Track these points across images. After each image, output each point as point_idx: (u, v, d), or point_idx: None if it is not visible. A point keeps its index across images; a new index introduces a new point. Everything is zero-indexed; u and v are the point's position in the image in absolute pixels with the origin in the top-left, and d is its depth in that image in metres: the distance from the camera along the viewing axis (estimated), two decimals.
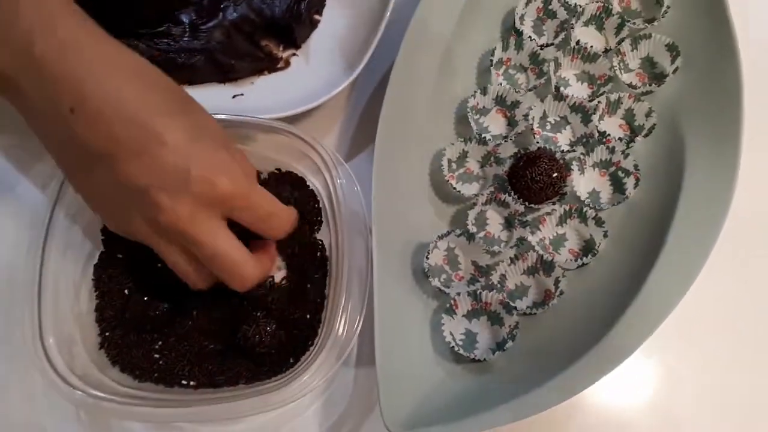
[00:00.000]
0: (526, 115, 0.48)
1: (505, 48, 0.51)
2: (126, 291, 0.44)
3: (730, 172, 0.44)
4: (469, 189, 0.48)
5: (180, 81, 0.50)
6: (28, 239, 0.42)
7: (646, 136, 0.48)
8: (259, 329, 0.42)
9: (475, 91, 0.49)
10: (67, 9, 0.35)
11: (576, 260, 0.45)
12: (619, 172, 0.48)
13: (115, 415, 0.42)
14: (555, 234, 0.47)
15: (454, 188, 0.47)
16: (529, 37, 0.51)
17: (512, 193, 0.46)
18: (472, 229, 0.46)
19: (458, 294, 0.44)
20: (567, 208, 0.46)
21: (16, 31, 0.33)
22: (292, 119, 0.47)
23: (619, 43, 0.51)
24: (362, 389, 0.45)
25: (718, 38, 0.48)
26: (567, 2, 0.52)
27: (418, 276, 0.46)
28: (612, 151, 0.48)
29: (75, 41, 0.34)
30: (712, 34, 0.48)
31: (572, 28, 0.50)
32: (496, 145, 0.48)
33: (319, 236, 0.47)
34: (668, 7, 0.51)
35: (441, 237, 0.45)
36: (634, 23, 0.51)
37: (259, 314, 0.43)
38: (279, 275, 0.46)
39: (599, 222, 0.46)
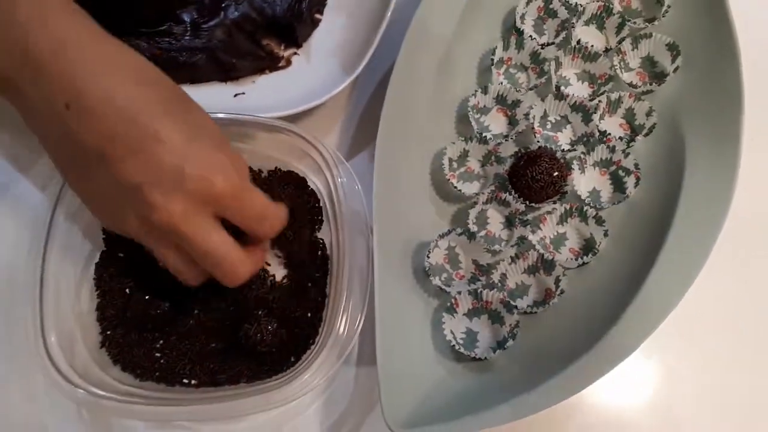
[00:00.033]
0: (526, 114, 0.48)
1: (505, 47, 0.51)
2: (127, 290, 0.44)
3: (730, 171, 0.44)
4: (469, 188, 0.48)
5: (181, 80, 0.50)
6: (29, 238, 0.42)
7: (646, 135, 0.48)
8: (261, 328, 0.42)
9: (476, 90, 0.49)
10: (67, 7, 0.35)
11: (576, 259, 0.46)
12: (620, 172, 0.48)
13: (117, 413, 0.43)
14: (555, 233, 0.47)
15: (455, 187, 0.47)
16: (530, 36, 0.51)
17: (513, 192, 0.46)
18: (473, 228, 0.46)
19: (459, 293, 0.44)
20: (567, 207, 0.47)
21: (15, 30, 0.33)
22: (294, 118, 0.48)
23: (619, 42, 0.51)
24: (363, 388, 0.45)
25: (718, 38, 0.48)
26: (568, 1, 0.52)
27: (418, 275, 0.46)
28: (612, 150, 0.48)
29: (73, 39, 0.34)
30: (712, 34, 0.49)
31: (573, 27, 0.50)
32: (496, 144, 0.48)
33: (320, 235, 0.47)
34: (669, 7, 0.51)
35: (442, 236, 0.45)
36: (635, 22, 0.51)
37: (260, 313, 0.43)
38: (280, 274, 0.46)
39: (600, 221, 0.46)
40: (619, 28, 0.51)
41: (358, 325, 0.42)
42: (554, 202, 0.46)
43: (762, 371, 0.47)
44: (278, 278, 0.46)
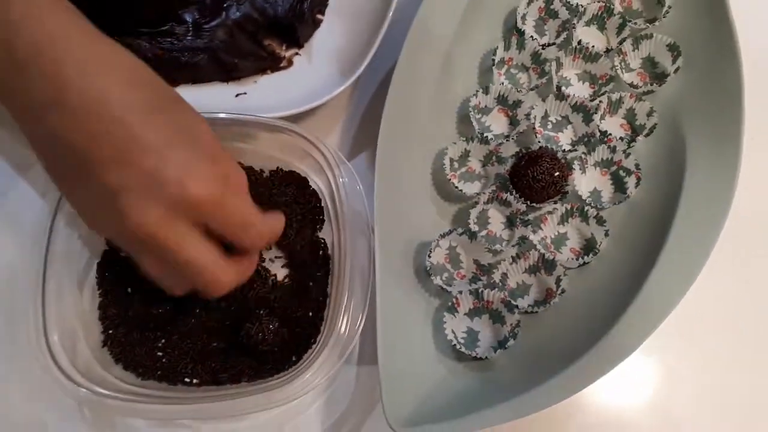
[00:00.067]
0: (527, 115, 0.49)
1: (507, 47, 0.51)
2: (129, 289, 0.44)
3: (730, 171, 0.44)
4: (470, 188, 0.48)
5: (183, 80, 0.50)
6: (31, 237, 0.43)
7: (647, 135, 0.48)
8: (262, 327, 0.42)
9: (477, 91, 0.49)
10: (59, 5, 0.34)
11: (577, 259, 0.46)
12: (621, 172, 0.48)
13: (119, 412, 0.43)
14: (556, 233, 0.47)
15: (456, 187, 0.47)
16: (531, 36, 0.51)
17: (514, 192, 0.46)
18: (474, 227, 0.46)
19: (460, 292, 0.44)
20: (568, 207, 0.47)
21: (6, 27, 0.32)
22: (295, 118, 0.48)
23: (620, 42, 0.51)
24: (364, 387, 0.45)
25: (719, 38, 0.48)
26: (569, 2, 0.52)
27: (420, 274, 0.46)
28: (613, 150, 0.48)
29: (64, 37, 0.33)
30: (713, 34, 0.49)
31: (574, 27, 0.51)
32: (497, 144, 0.48)
33: (321, 235, 0.47)
34: (669, 8, 0.51)
35: (443, 236, 0.45)
36: (636, 23, 0.51)
37: (261, 312, 0.44)
38: (282, 273, 0.46)
39: (600, 221, 0.46)
40: (620, 28, 0.51)
41: (360, 325, 0.42)
42: (555, 202, 0.47)
43: (762, 371, 0.47)
44: (280, 278, 0.46)
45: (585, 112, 0.49)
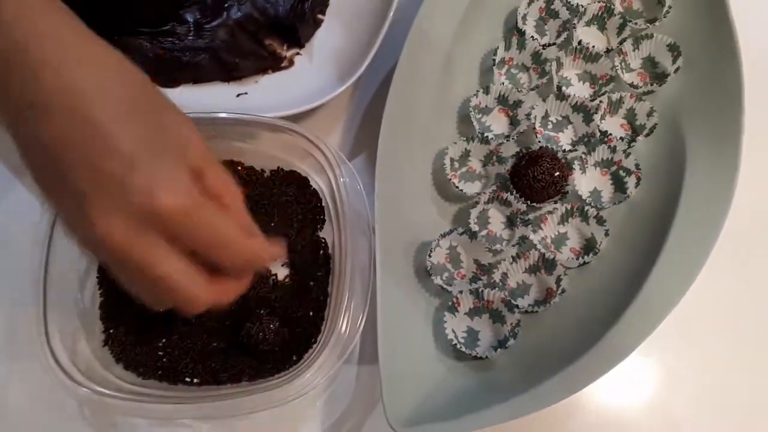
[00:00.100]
0: (528, 115, 0.49)
1: (507, 47, 0.51)
2: None
3: (730, 171, 0.44)
4: (471, 188, 0.48)
5: (184, 79, 0.50)
6: (32, 237, 0.42)
7: (647, 135, 0.48)
8: (263, 327, 0.42)
9: (478, 91, 0.49)
10: (51, 6, 0.33)
11: (577, 259, 0.46)
12: (621, 172, 0.48)
13: (119, 411, 0.43)
14: (556, 233, 0.47)
15: (457, 187, 0.47)
16: (532, 36, 0.51)
17: (514, 192, 0.46)
18: (475, 227, 0.46)
19: (460, 292, 0.44)
20: (568, 207, 0.47)
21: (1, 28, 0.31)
22: (296, 118, 0.48)
23: (620, 43, 0.51)
24: (365, 386, 0.45)
25: (718, 38, 0.48)
26: (569, 2, 0.52)
27: (420, 274, 0.46)
28: (613, 150, 0.48)
29: (56, 36, 0.32)
30: (713, 35, 0.49)
31: (574, 28, 0.51)
32: (498, 144, 0.48)
33: (322, 234, 0.47)
34: (670, 8, 0.51)
35: (443, 235, 0.46)
36: (636, 23, 0.51)
37: (262, 312, 0.44)
38: (282, 273, 0.46)
39: (600, 221, 0.46)
40: (621, 28, 0.51)
41: (360, 324, 0.42)
42: (555, 202, 0.47)
43: (762, 371, 0.47)
44: (280, 277, 0.46)
45: (585, 112, 0.49)
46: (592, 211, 0.46)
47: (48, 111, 0.31)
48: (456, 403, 0.41)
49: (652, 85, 0.50)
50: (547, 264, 0.45)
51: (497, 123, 0.50)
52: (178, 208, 0.30)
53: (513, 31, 0.52)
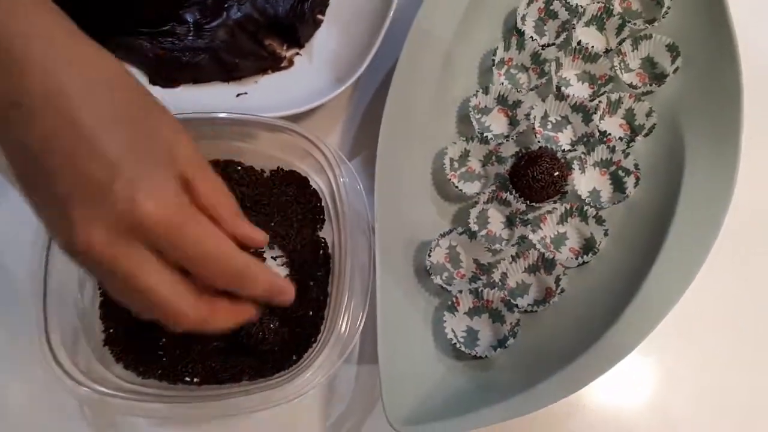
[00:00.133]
0: (527, 115, 0.49)
1: (506, 48, 0.51)
2: None
3: (729, 171, 0.44)
4: (470, 188, 0.48)
5: (184, 79, 0.50)
6: (32, 236, 0.43)
7: (646, 135, 0.48)
8: (263, 327, 0.42)
9: (477, 91, 0.49)
10: (43, 6, 0.33)
11: (577, 258, 0.46)
12: (620, 171, 0.48)
13: (119, 411, 0.43)
14: (556, 232, 0.47)
15: (456, 187, 0.47)
16: (531, 37, 0.51)
17: (514, 192, 0.46)
18: (474, 227, 0.46)
19: (460, 292, 0.44)
20: (568, 206, 0.47)
21: None
22: (296, 118, 0.48)
23: (619, 43, 0.51)
24: (365, 386, 0.45)
25: (717, 38, 0.48)
26: (568, 3, 0.52)
27: (420, 274, 0.46)
28: (612, 150, 0.48)
29: (47, 36, 0.31)
30: (711, 35, 0.49)
31: (573, 28, 0.51)
32: (497, 144, 0.48)
33: (321, 234, 0.48)
34: (668, 8, 0.51)
35: (443, 235, 0.46)
36: (635, 24, 0.51)
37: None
38: (282, 273, 0.46)
39: (600, 221, 0.46)
40: (620, 29, 0.51)
41: (360, 324, 0.42)
42: (555, 202, 0.47)
43: (762, 371, 0.47)
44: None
45: (584, 112, 0.49)
46: (591, 211, 0.46)
47: (34, 111, 0.30)
48: (456, 402, 0.41)
49: (651, 85, 0.50)
50: (546, 264, 0.45)
51: (497, 123, 0.50)
52: (160, 218, 0.29)
53: (512, 32, 0.52)
